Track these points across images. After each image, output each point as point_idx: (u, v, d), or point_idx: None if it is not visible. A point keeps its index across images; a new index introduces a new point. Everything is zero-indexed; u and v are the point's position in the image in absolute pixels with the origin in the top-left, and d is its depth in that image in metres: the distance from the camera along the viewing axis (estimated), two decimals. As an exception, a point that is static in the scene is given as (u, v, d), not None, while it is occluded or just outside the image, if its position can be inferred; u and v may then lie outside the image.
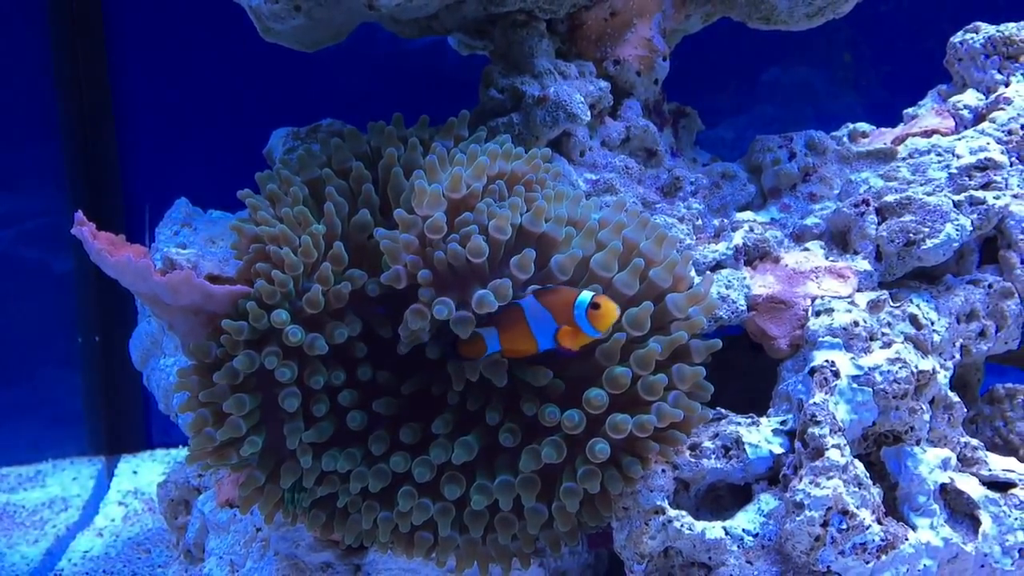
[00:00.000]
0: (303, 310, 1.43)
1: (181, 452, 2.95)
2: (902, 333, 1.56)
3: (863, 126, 2.02)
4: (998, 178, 1.72)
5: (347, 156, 1.61)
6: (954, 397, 1.59)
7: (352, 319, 1.49)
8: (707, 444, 1.50)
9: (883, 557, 1.39)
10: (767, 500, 1.47)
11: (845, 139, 1.98)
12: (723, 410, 1.57)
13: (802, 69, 2.92)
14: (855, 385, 1.49)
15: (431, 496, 1.44)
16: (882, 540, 1.39)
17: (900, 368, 1.49)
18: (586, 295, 1.36)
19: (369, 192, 1.57)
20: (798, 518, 1.39)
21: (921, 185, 1.74)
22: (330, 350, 1.45)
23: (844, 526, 1.38)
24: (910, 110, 2.03)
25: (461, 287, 1.40)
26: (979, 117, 1.90)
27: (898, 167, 1.82)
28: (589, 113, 1.80)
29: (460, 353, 1.44)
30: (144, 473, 2.84)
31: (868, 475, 1.45)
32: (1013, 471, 1.56)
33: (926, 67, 2.15)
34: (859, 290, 1.66)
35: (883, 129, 2.00)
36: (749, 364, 1.78)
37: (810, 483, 1.40)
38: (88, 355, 2.99)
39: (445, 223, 1.40)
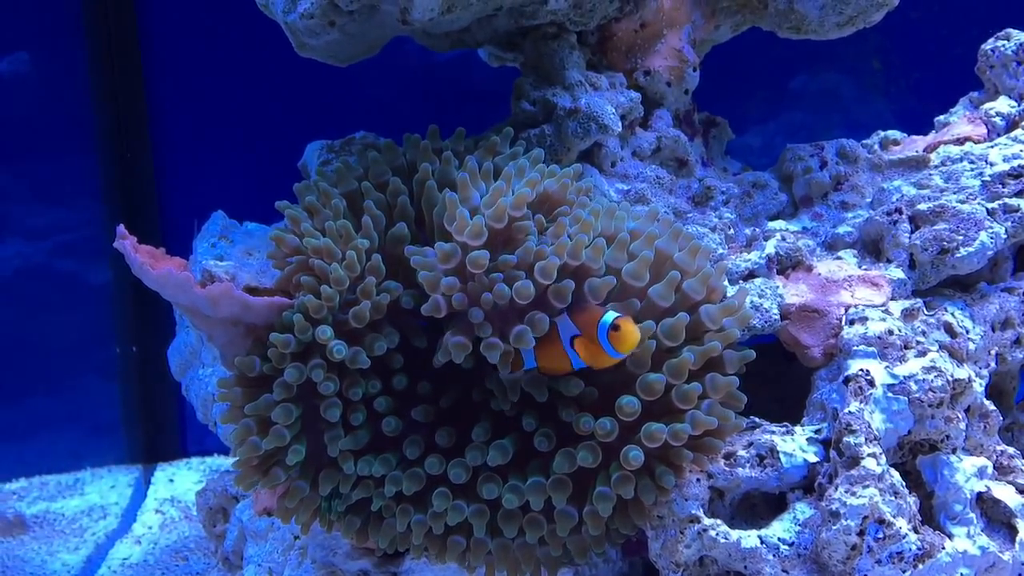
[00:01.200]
0: (346, 323, 1.46)
1: (216, 460, 2.99)
2: (937, 342, 1.56)
3: (894, 134, 2.01)
4: (1032, 185, 1.72)
5: (384, 169, 1.63)
6: (990, 405, 1.59)
7: (390, 331, 1.51)
8: (741, 453, 1.50)
9: (920, 566, 1.39)
10: (802, 509, 1.47)
11: (876, 147, 1.97)
12: (757, 419, 1.58)
13: (831, 76, 2.91)
14: (890, 394, 1.49)
15: (466, 498, 1.45)
16: (919, 549, 1.39)
17: (935, 377, 1.49)
18: (610, 315, 1.37)
19: (404, 204, 1.59)
20: (834, 527, 1.39)
21: (954, 193, 1.74)
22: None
23: (880, 535, 1.38)
24: (942, 117, 2.02)
25: (502, 321, 1.42)
26: (1012, 124, 1.89)
27: (931, 175, 1.82)
28: (620, 124, 1.81)
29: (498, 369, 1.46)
30: (180, 481, 2.88)
31: (904, 484, 1.45)
32: (1050, 480, 1.55)
33: (956, 74, 2.14)
34: (893, 298, 1.65)
35: (915, 137, 2.00)
36: (782, 373, 1.78)
37: (846, 492, 1.40)
38: (125, 365, 3.03)
39: (488, 259, 1.41)
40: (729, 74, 2.43)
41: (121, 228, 1.55)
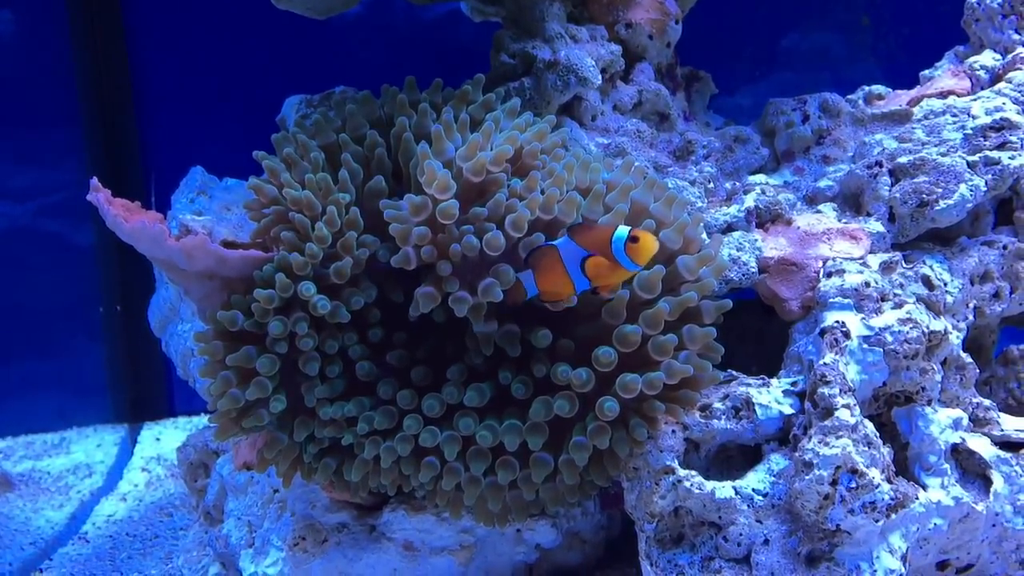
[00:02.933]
0: (326, 277, 1.45)
1: (203, 420, 2.99)
2: (914, 294, 1.56)
3: (879, 88, 2.00)
4: (1014, 138, 1.70)
5: (361, 122, 1.62)
6: (967, 358, 1.58)
7: (367, 285, 1.51)
8: (717, 405, 1.51)
9: (893, 516, 1.39)
10: (777, 460, 1.48)
11: (860, 102, 1.96)
12: (734, 372, 1.58)
13: (820, 34, 2.89)
14: (866, 345, 1.49)
15: (439, 428, 1.45)
16: (892, 499, 1.39)
17: (911, 328, 1.49)
18: (624, 229, 1.35)
19: (382, 157, 1.58)
20: (807, 477, 1.39)
21: (935, 146, 1.73)
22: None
23: (853, 485, 1.38)
24: (927, 72, 2.01)
25: (472, 274, 1.42)
26: (996, 77, 1.88)
27: (913, 128, 1.80)
28: (600, 77, 1.79)
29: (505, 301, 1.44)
30: (167, 440, 2.89)
31: (878, 435, 1.45)
32: (1026, 431, 1.55)
33: (945, 31, 2.12)
34: (872, 252, 1.65)
35: (899, 91, 1.99)
36: (760, 326, 1.78)
37: (819, 442, 1.40)
38: (110, 325, 3.04)
39: (458, 209, 1.41)
40: (719, 33, 2.41)
41: (94, 180, 1.54)
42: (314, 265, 1.46)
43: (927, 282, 1.58)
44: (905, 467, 1.50)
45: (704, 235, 1.59)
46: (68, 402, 3.02)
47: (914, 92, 1.95)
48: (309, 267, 1.45)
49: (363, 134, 1.61)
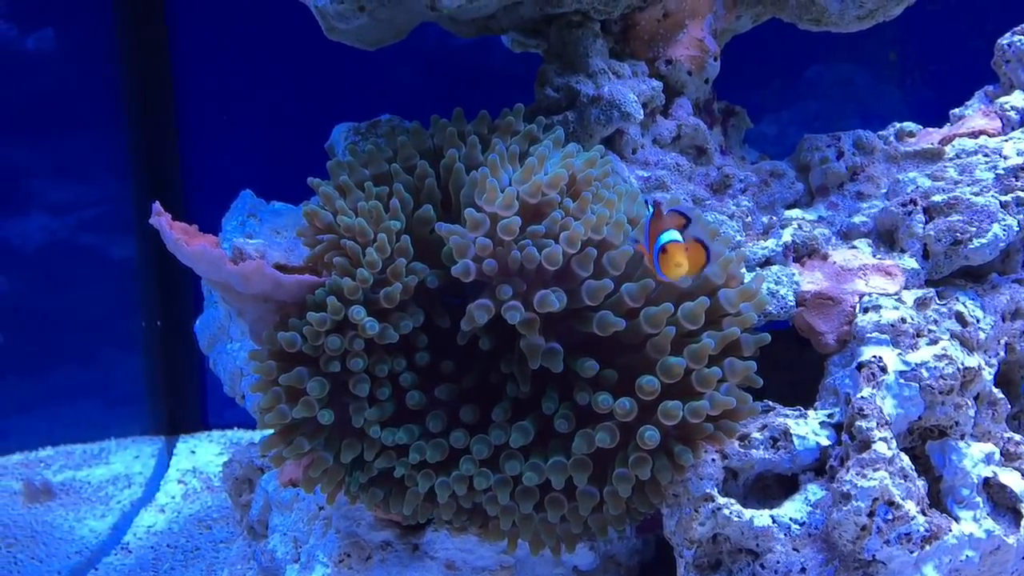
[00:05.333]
0: (376, 302, 1.50)
1: (237, 433, 3.06)
2: (948, 330, 1.60)
3: (910, 126, 2.04)
4: (1045, 179, 1.75)
5: (412, 153, 1.67)
6: (998, 393, 1.63)
7: (415, 310, 1.56)
8: (756, 435, 1.55)
9: (927, 547, 1.43)
10: (814, 490, 1.52)
11: (892, 139, 2.00)
12: (771, 402, 1.62)
13: (847, 66, 2.94)
14: (902, 380, 1.53)
15: (489, 470, 1.49)
16: (926, 531, 1.43)
17: (946, 364, 1.53)
18: (665, 236, 1.33)
19: (432, 187, 1.63)
20: (845, 508, 1.44)
21: (968, 185, 1.77)
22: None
23: (890, 516, 1.43)
24: (957, 111, 2.05)
25: (528, 288, 1.46)
26: (1026, 119, 1.92)
27: (945, 167, 1.85)
28: (642, 112, 1.85)
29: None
30: (202, 453, 2.94)
31: (913, 468, 1.49)
32: (1055, 466, 1.59)
33: (972, 68, 2.17)
34: (906, 288, 1.69)
35: (930, 129, 2.03)
36: (793, 356, 1.82)
37: (857, 474, 1.44)
38: (150, 339, 3.10)
39: (519, 226, 1.45)
40: (745, 62, 2.46)
41: (157, 205, 1.59)
42: (365, 290, 1.51)
43: (960, 319, 1.63)
44: (938, 499, 1.54)
45: (744, 270, 1.64)
46: (107, 413, 3.07)
47: (945, 131, 1.99)
48: (360, 291, 1.50)
49: (414, 164, 1.66)
